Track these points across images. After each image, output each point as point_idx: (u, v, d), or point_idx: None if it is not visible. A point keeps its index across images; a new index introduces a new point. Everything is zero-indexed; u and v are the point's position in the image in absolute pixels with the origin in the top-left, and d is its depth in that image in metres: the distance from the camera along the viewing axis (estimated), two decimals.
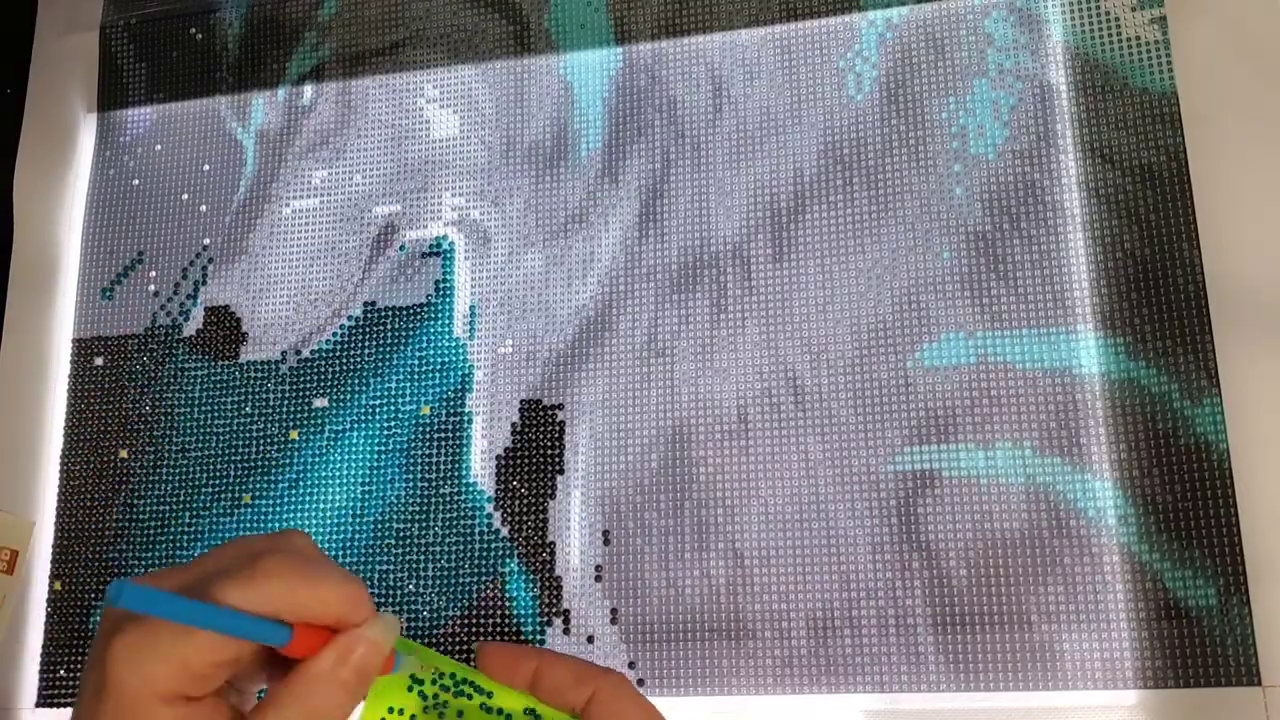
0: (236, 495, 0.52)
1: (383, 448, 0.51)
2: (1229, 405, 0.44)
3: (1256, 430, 0.44)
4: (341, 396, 0.52)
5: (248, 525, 0.51)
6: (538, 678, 0.35)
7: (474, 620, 0.48)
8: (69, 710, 0.51)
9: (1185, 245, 0.46)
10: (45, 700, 0.51)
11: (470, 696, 0.36)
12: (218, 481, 0.52)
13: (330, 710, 0.32)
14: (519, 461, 0.50)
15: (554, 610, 0.48)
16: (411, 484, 0.50)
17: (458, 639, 0.48)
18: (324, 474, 0.51)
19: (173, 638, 0.31)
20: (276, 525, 0.51)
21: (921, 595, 0.45)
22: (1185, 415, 0.45)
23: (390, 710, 0.35)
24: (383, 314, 0.53)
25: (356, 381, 0.52)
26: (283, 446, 0.52)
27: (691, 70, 0.53)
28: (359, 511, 0.50)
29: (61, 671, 0.51)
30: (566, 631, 0.47)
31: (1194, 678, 0.42)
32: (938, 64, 0.50)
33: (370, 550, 0.50)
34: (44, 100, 0.60)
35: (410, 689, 0.35)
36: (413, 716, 0.35)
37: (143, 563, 0.52)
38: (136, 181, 0.58)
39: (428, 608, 0.49)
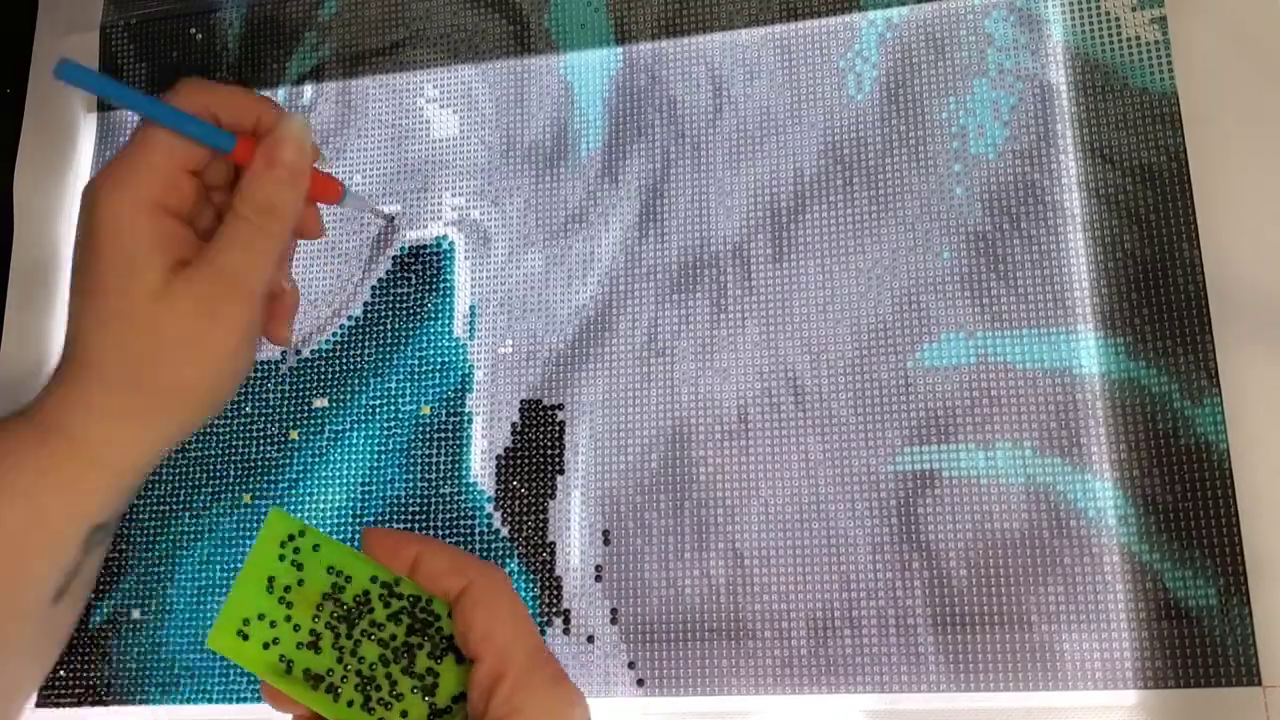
0: (236, 495, 0.52)
1: (383, 448, 0.51)
2: (1229, 405, 0.44)
3: (1257, 430, 0.44)
4: (341, 396, 0.52)
5: (248, 525, 0.51)
6: (417, 563, 0.37)
7: None
8: (69, 710, 0.51)
9: (1185, 245, 0.46)
10: (45, 700, 0.51)
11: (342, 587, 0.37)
12: (217, 481, 0.52)
13: (274, 197, 0.36)
14: (519, 461, 0.50)
15: (554, 610, 0.48)
16: (411, 484, 0.50)
17: None
18: (324, 474, 0.51)
19: (138, 154, 0.35)
20: None
21: (921, 595, 0.45)
22: (1185, 415, 0.45)
23: (246, 622, 0.36)
24: (383, 314, 0.53)
25: (356, 381, 0.52)
26: (282, 446, 0.52)
27: (691, 70, 0.53)
28: (359, 512, 0.50)
29: (61, 671, 0.51)
30: (567, 631, 0.47)
31: (1194, 678, 0.42)
32: (938, 64, 0.50)
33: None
34: (44, 100, 0.60)
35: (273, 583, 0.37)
36: (273, 623, 0.36)
37: (142, 563, 0.52)
38: None
39: None
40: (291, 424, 0.52)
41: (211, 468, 0.53)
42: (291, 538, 0.37)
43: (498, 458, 0.50)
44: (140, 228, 0.35)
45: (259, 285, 0.36)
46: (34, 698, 0.52)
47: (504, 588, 0.36)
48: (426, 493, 0.50)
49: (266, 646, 0.36)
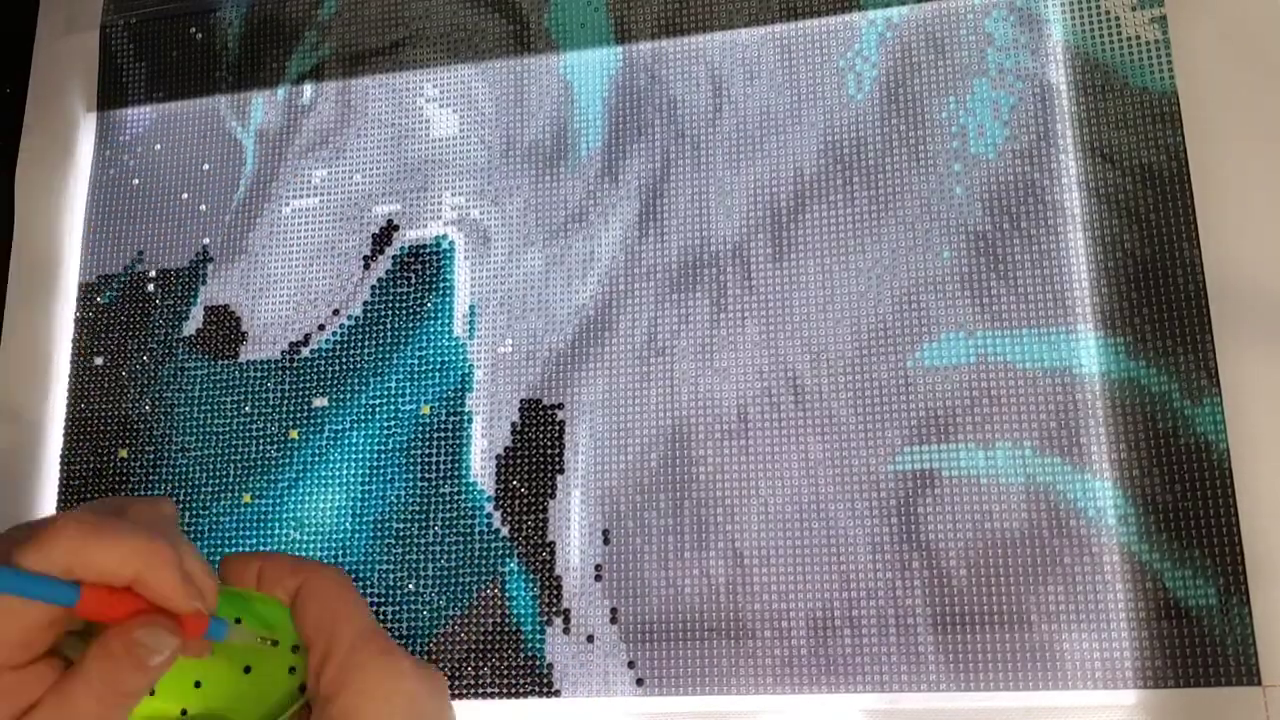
0: (236, 495, 0.52)
1: (382, 447, 0.51)
2: (1229, 405, 0.44)
3: (1257, 430, 0.44)
4: (341, 396, 0.52)
5: (248, 524, 0.51)
6: (260, 574, 0.37)
7: (474, 620, 0.48)
8: None
9: (1185, 245, 0.46)
10: None
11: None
12: (217, 481, 0.52)
13: (125, 681, 0.32)
14: (519, 461, 0.50)
15: (554, 610, 0.48)
16: (411, 483, 0.50)
17: (457, 638, 0.48)
18: (324, 473, 0.51)
19: None
20: (276, 525, 0.51)
21: (921, 595, 0.45)
22: (1185, 415, 0.45)
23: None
24: (382, 313, 0.53)
25: (356, 381, 0.52)
26: (282, 446, 0.52)
27: (691, 70, 0.53)
28: (359, 511, 0.50)
29: None
30: (566, 631, 0.47)
31: (1194, 677, 0.42)
32: (938, 63, 0.50)
33: (370, 550, 0.50)
34: (44, 100, 0.60)
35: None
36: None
37: None
38: (136, 181, 0.58)
39: (427, 607, 0.49)
40: (291, 423, 0.52)
41: (211, 467, 0.53)
42: None
43: (497, 457, 0.50)
44: None
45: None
46: None
47: (334, 579, 0.37)
48: (426, 492, 0.50)
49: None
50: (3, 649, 0.31)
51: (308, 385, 0.53)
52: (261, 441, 0.52)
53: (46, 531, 0.31)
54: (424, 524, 0.50)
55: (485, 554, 0.49)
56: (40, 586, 0.31)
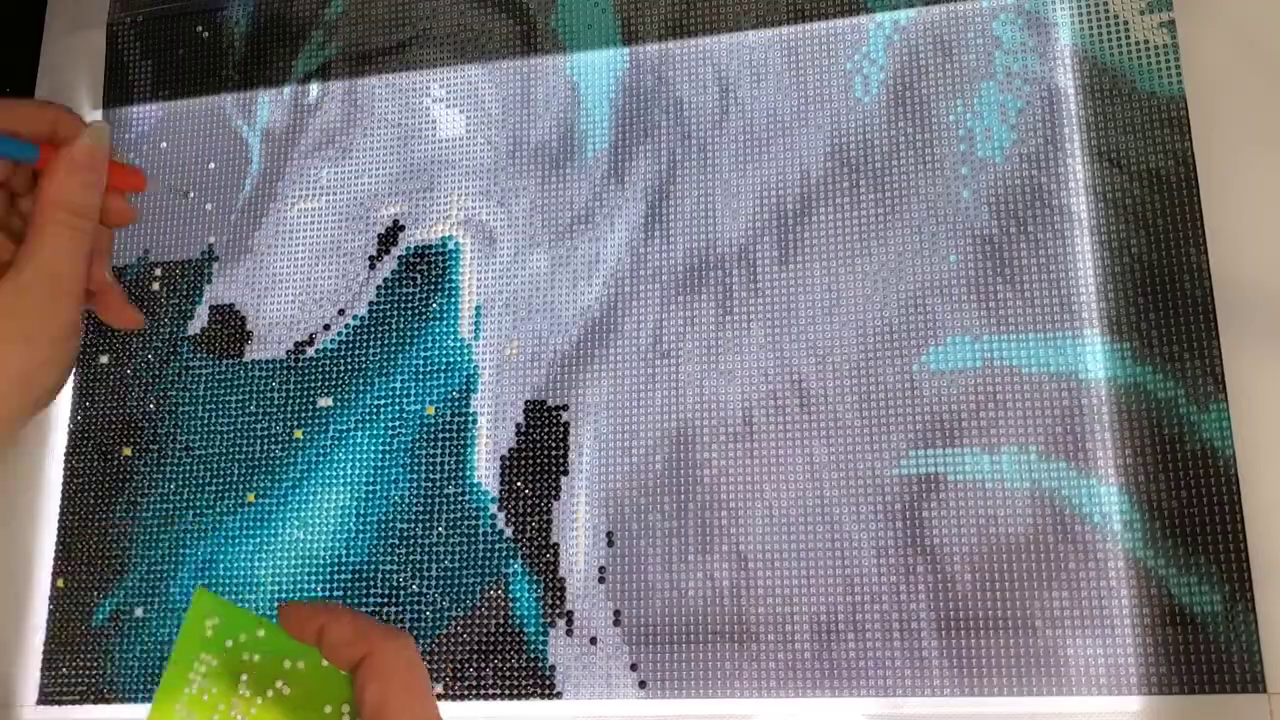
0: (240, 494, 0.52)
1: (387, 448, 0.51)
2: (1235, 411, 0.44)
3: (1263, 436, 0.44)
4: (346, 396, 0.52)
5: (251, 524, 0.51)
6: (322, 634, 0.36)
7: (477, 621, 0.48)
8: (72, 708, 0.51)
9: (1192, 250, 0.46)
10: (47, 698, 0.51)
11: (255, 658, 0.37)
12: (221, 480, 0.52)
13: (74, 195, 0.38)
14: (523, 462, 0.50)
15: (557, 612, 0.48)
16: (416, 484, 0.50)
17: (460, 639, 0.48)
18: (328, 473, 0.51)
19: None
20: (281, 524, 0.51)
21: (925, 599, 0.45)
22: (1191, 421, 0.45)
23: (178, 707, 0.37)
24: (388, 314, 0.53)
25: (361, 381, 0.52)
26: (287, 445, 0.52)
27: (698, 71, 0.53)
28: (363, 511, 0.50)
29: (63, 669, 0.51)
30: (569, 633, 0.47)
31: (1199, 684, 0.42)
32: (945, 66, 0.50)
33: (374, 550, 0.50)
34: (51, 97, 0.60)
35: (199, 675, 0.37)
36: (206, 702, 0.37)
37: (145, 561, 0.52)
38: None
39: (431, 608, 0.49)
40: (296, 423, 0.52)
41: (215, 466, 0.53)
42: (216, 617, 0.37)
43: (502, 458, 0.50)
44: None
45: (80, 278, 0.39)
46: (35, 695, 0.52)
47: (401, 658, 0.36)
48: (430, 493, 0.50)
49: None
50: None
51: (313, 385, 0.53)
52: (266, 441, 0.52)
53: None
54: (428, 524, 0.50)
55: (489, 555, 0.49)
56: (7, 145, 0.37)
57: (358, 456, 0.51)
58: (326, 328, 0.53)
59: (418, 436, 0.51)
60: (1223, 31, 0.48)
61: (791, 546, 0.47)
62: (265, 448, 0.52)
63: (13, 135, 0.39)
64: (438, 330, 0.52)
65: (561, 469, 0.49)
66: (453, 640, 0.48)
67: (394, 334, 0.52)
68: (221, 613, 0.37)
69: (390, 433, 0.51)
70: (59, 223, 0.38)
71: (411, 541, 0.50)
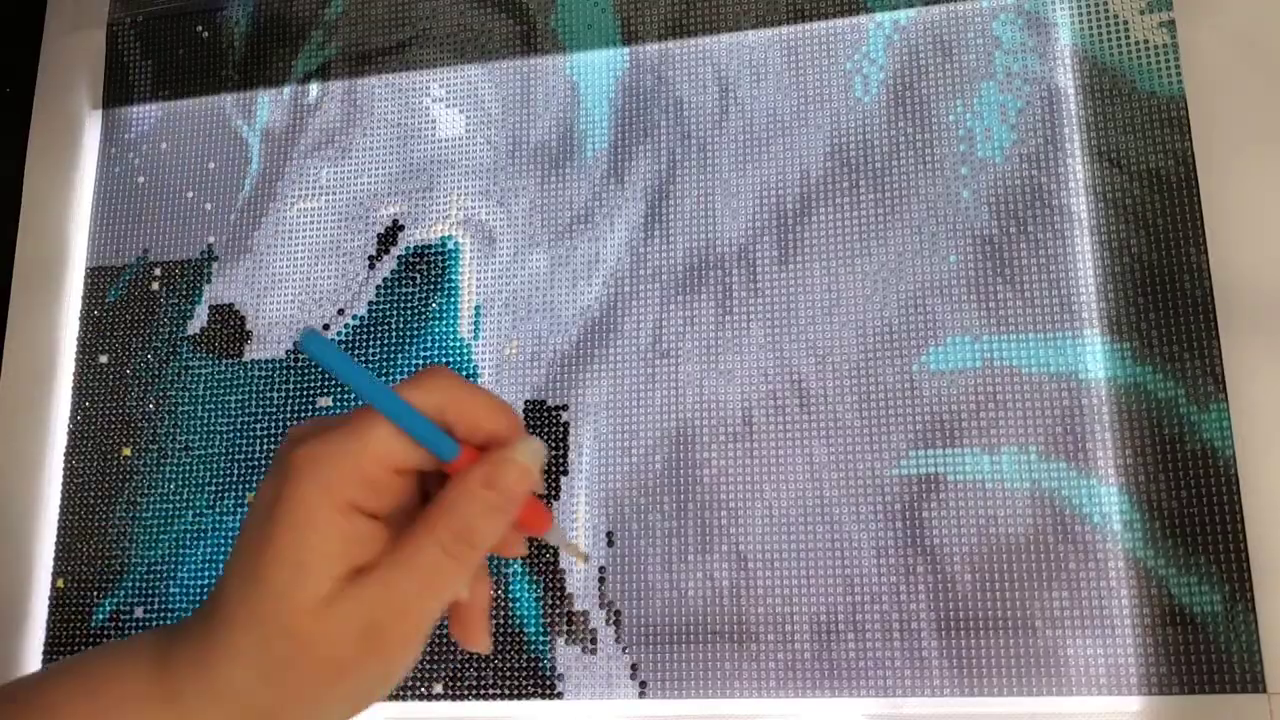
0: (240, 494, 0.52)
1: None
2: (1235, 411, 0.44)
3: (1263, 436, 0.44)
4: (346, 396, 0.52)
5: None
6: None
7: None
8: None
9: (1192, 250, 0.46)
10: None
11: None
12: (221, 480, 0.52)
13: (478, 526, 0.31)
14: None
15: (557, 612, 0.48)
16: None
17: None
18: None
19: (351, 443, 0.31)
20: None
21: (925, 599, 0.45)
22: (1191, 421, 0.45)
23: None
24: (388, 314, 0.53)
25: None
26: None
27: (698, 71, 0.53)
28: None
29: None
30: (570, 633, 0.47)
31: (1199, 684, 0.42)
32: (945, 66, 0.50)
33: None
34: (51, 97, 0.60)
35: None
36: None
37: (145, 561, 0.52)
38: (141, 179, 0.58)
39: None
40: (295, 422, 0.52)
41: (215, 466, 0.52)
42: None
43: None
44: (328, 529, 0.31)
45: (432, 616, 0.32)
46: None
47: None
48: None
49: None
50: (362, 485, 0.31)
51: (312, 385, 0.53)
52: (266, 441, 0.52)
53: (426, 375, 0.31)
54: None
55: (489, 555, 0.49)
56: (426, 429, 0.31)
57: None
58: (326, 327, 0.53)
59: None
60: (1223, 31, 0.48)
61: (791, 546, 0.47)
62: (265, 447, 0.52)
63: (444, 423, 0.31)
64: (437, 330, 0.52)
65: (561, 469, 0.49)
66: (453, 641, 0.48)
67: (394, 334, 0.52)
68: None
69: None
70: (443, 549, 0.31)
71: None
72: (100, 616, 0.52)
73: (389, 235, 0.54)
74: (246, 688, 0.31)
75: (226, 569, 0.32)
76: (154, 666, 0.32)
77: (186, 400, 0.54)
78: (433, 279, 0.53)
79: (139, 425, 0.54)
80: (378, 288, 0.53)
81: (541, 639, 0.47)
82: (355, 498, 0.31)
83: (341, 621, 0.31)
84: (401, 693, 0.48)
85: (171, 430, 0.53)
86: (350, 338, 0.53)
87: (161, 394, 0.54)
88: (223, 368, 0.54)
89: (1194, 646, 0.42)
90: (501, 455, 0.32)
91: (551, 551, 0.48)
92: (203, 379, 0.54)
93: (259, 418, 0.53)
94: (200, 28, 0.59)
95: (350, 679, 0.32)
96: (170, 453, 0.53)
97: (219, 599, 0.32)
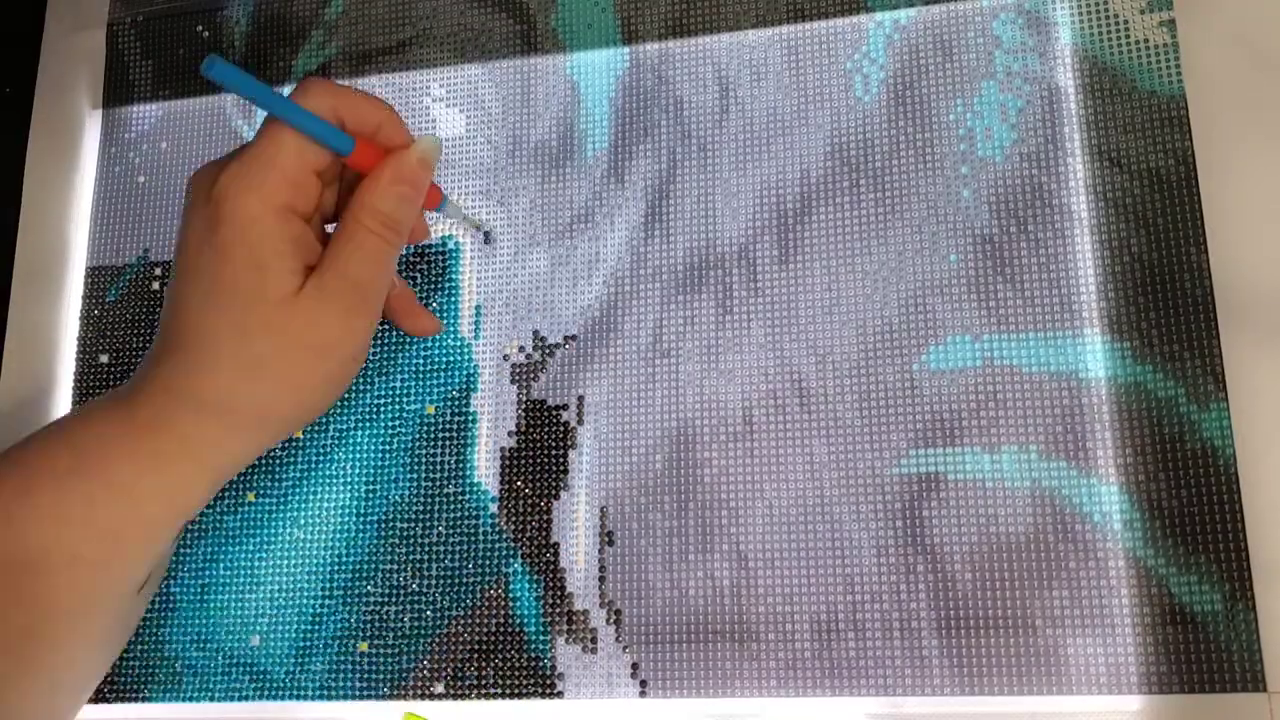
0: (240, 493, 0.52)
1: (387, 447, 0.51)
2: (1236, 410, 0.44)
3: (1263, 435, 0.44)
4: (346, 395, 0.52)
5: (251, 524, 0.51)
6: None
7: (477, 620, 0.48)
8: None
9: (1193, 249, 0.46)
10: None
11: None
12: None
13: (394, 211, 0.36)
14: (523, 462, 0.50)
15: (557, 611, 0.48)
16: (416, 483, 0.50)
17: (460, 638, 0.48)
18: (328, 473, 0.51)
19: (268, 150, 0.35)
20: (280, 524, 0.51)
21: (926, 598, 0.45)
22: (1192, 420, 0.45)
23: None
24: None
25: (361, 380, 0.52)
26: (287, 445, 0.52)
27: (698, 71, 0.53)
28: (363, 510, 0.50)
29: None
30: (570, 632, 0.47)
31: (1199, 683, 0.42)
32: (945, 66, 0.50)
33: (374, 549, 0.50)
34: (51, 96, 0.60)
35: None
36: None
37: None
38: (142, 178, 0.58)
39: (431, 607, 0.49)
40: None
41: None
42: None
43: (502, 458, 0.50)
44: (272, 231, 0.35)
45: (383, 293, 0.37)
46: None
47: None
48: (430, 492, 0.50)
49: None
50: (290, 187, 0.35)
51: None
52: None
53: (306, 85, 0.37)
54: (428, 524, 0.50)
55: (489, 554, 0.49)
56: (321, 128, 0.35)
57: (358, 456, 0.51)
58: None
59: (418, 436, 0.51)
60: (1224, 31, 0.48)
61: (791, 546, 0.47)
62: None
63: (337, 122, 0.37)
64: None
65: (561, 468, 0.49)
66: (453, 639, 0.48)
67: (394, 333, 0.52)
68: None
69: (390, 432, 0.51)
70: (372, 232, 0.36)
71: (411, 541, 0.50)
72: None
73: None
74: (230, 391, 0.35)
75: (177, 301, 0.37)
76: (126, 406, 0.36)
77: None
78: (433, 278, 0.53)
79: None
80: None
81: (541, 638, 0.47)
82: (287, 199, 0.35)
83: (313, 306, 0.35)
84: (403, 693, 0.48)
85: None
86: None
87: None
88: None
89: (1194, 646, 0.42)
90: (403, 153, 0.37)
91: (551, 551, 0.48)
92: None
93: None
94: (200, 27, 0.59)
95: (331, 358, 0.36)
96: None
97: (181, 324, 0.36)
